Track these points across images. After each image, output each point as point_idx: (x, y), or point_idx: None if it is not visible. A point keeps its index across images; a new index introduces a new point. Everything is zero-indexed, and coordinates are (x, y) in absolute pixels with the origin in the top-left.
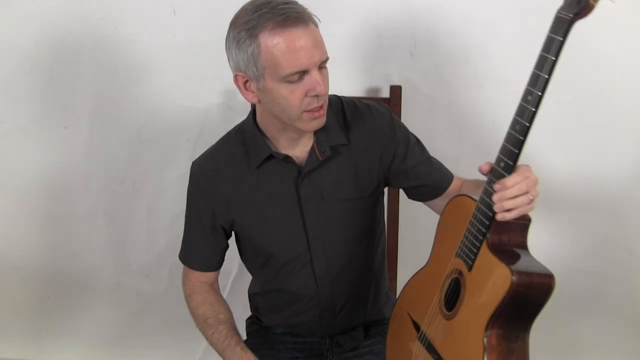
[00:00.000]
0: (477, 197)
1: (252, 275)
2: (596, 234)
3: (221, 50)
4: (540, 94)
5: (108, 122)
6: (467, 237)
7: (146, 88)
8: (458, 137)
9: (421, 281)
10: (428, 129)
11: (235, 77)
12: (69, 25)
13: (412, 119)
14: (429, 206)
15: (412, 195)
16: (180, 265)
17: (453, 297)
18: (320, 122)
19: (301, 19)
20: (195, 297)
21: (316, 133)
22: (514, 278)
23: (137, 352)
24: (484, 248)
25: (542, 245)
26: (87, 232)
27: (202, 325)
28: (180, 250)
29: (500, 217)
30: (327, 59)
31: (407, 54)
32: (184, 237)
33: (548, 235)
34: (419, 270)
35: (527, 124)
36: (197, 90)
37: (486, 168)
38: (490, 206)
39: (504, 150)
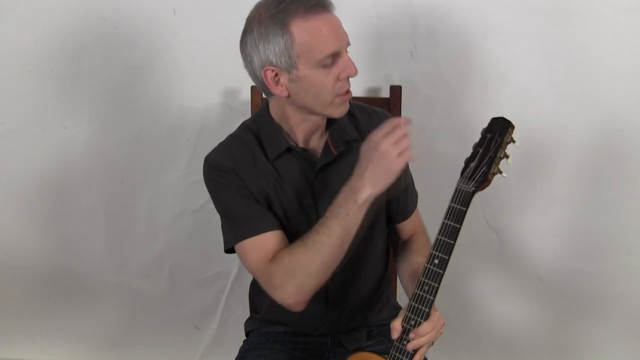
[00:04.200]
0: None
1: None
2: (596, 234)
3: (221, 50)
4: (447, 257)
5: (108, 122)
6: None
7: (146, 88)
8: (458, 137)
9: None
10: (428, 129)
11: (264, 73)
12: (69, 25)
13: (412, 119)
14: (392, 241)
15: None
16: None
17: None
18: (346, 107)
19: (326, 4)
20: (275, 269)
21: (329, 128)
22: None
23: (137, 352)
24: None
25: (542, 245)
26: (87, 232)
27: (297, 252)
28: (229, 237)
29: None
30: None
31: (407, 54)
32: (223, 225)
33: (548, 235)
34: None
35: (437, 285)
36: (197, 90)
37: (396, 334)
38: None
39: (414, 309)
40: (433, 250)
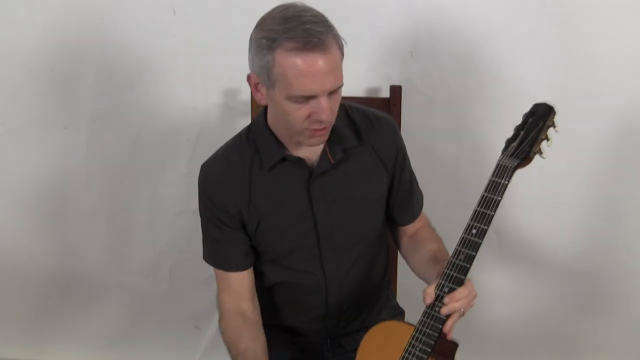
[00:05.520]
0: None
1: (255, 273)
2: (596, 234)
3: (221, 50)
4: (486, 227)
5: (108, 122)
6: (407, 358)
7: (146, 88)
8: (458, 137)
9: None
10: (428, 129)
11: (249, 76)
12: (69, 25)
13: (412, 119)
14: (395, 239)
15: (388, 215)
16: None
17: None
18: (321, 140)
19: (322, 44)
20: (222, 324)
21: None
22: None
23: (137, 352)
24: None
25: (542, 245)
26: (87, 232)
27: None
28: (205, 253)
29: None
30: (341, 84)
31: (407, 54)
32: (204, 238)
33: (549, 235)
34: None
35: (474, 253)
36: (197, 90)
37: (429, 300)
38: (434, 327)
39: (448, 277)
40: (471, 221)
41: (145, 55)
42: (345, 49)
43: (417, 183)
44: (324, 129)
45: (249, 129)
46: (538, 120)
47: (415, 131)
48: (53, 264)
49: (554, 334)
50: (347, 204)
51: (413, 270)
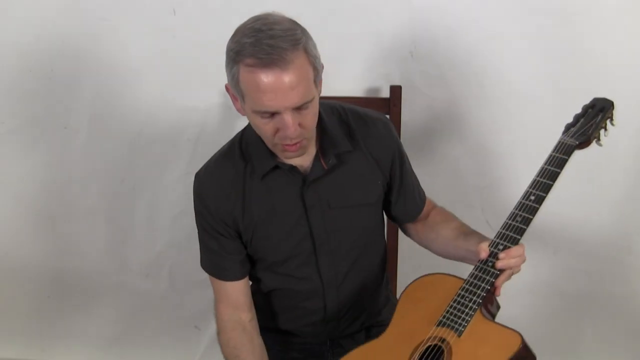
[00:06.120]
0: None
1: (252, 279)
2: (596, 234)
3: (221, 50)
4: (544, 195)
5: (108, 122)
6: (455, 307)
7: (146, 88)
8: (458, 137)
9: (377, 353)
10: (428, 129)
11: (226, 87)
12: (69, 25)
13: (412, 119)
14: (403, 231)
15: (390, 214)
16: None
17: None
18: (295, 155)
19: (282, 60)
20: (221, 337)
21: (320, 141)
22: (522, 345)
23: (137, 352)
24: (478, 317)
25: (543, 245)
26: (87, 232)
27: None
28: (202, 261)
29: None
30: (311, 99)
31: (407, 54)
32: (200, 246)
33: (548, 235)
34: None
35: (531, 217)
36: (197, 90)
37: (484, 254)
38: (486, 280)
39: (504, 236)
40: (530, 188)
41: (146, 55)
42: (345, 49)
43: (416, 179)
44: (295, 144)
45: (241, 135)
46: (598, 111)
47: (415, 131)
48: (53, 264)
49: (554, 334)
50: (341, 209)
51: (439, 251)
